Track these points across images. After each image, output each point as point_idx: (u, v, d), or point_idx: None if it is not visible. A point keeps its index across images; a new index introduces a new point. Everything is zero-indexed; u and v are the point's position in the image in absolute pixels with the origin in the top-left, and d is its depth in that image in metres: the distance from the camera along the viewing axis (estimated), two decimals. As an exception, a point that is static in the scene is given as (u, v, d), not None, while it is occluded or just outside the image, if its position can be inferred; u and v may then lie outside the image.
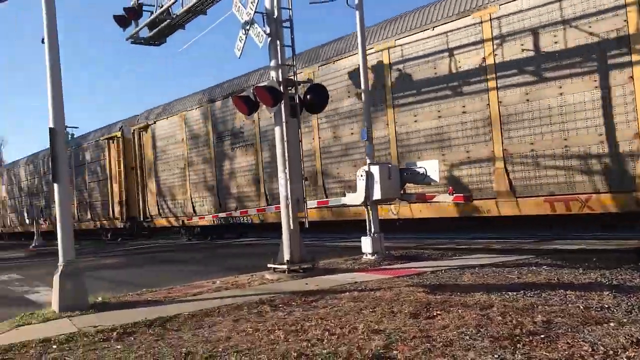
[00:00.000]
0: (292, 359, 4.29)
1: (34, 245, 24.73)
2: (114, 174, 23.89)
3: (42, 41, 7.33)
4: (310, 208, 10.38)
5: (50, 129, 7.01)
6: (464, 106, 11.27)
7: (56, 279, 6.95)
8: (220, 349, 4.72)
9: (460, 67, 11.28)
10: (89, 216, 25.78)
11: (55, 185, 7.10)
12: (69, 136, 41.46)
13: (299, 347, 4.57)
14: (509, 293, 6.16)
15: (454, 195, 9.75)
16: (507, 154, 10.65)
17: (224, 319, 5.95)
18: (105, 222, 24.85)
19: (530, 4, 10.23)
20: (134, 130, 22.44)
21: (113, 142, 23.88)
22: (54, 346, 5.22)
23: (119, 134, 23.59)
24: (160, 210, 20.77)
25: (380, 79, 12.78)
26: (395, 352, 4.27)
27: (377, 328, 5.01)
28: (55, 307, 6.83)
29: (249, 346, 4.76)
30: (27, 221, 26.71)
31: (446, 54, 11.50)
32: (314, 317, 5.63)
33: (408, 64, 12.21)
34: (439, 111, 11.68)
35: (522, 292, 6.18)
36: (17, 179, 33.20)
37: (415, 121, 12.13)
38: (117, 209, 23.64)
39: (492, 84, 10.79)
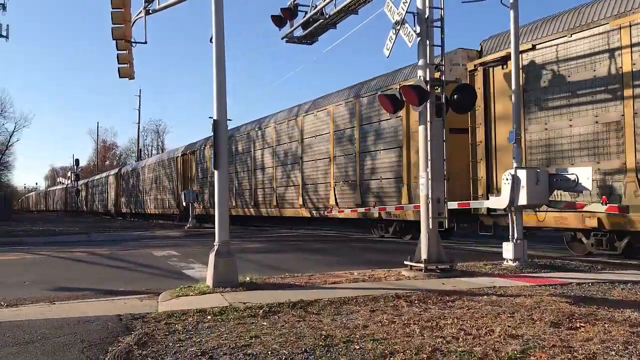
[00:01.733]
0: (426, 353, 4.39)
1: (188, 226, 27.01)
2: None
3: (210, 40, 8.07)
4: (451, 209, 10.29)
5: (214, 121, 7.72)
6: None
7: (211, 257, 7.64)
8: (357, 336, 4.95)
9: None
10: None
11: (216, 172, 7.80)
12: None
13: (434, 343, 4.66)
14: (665, 313, 5.73)
15: (608, 205, 9.14)
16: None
17: (361, 308, 6.19)
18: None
19: None
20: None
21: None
22: (209, 317, 5.79)
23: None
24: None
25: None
26: (532, 358, 4.22)
27: (515, 333, 4.94)
28: (209, 282, 7.52)
29: (385, 336, 4.93)
30: (183, 204, 29.12)
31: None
32: (450, 316, 5.67)
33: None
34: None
35: (680, 313, 5.72)
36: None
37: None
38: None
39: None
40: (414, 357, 4.31)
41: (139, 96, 69.73)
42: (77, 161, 76.29)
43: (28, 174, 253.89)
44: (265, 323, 5.52)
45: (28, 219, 50.10)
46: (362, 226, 20.78)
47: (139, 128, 70.70)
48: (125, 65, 14.18)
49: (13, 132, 64.68)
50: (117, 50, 13.97)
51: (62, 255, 13.33)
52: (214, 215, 7.93)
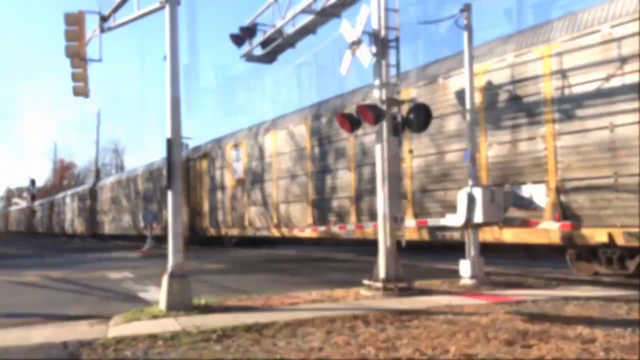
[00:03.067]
0: (381, 375, 4.33)
1: (147, 247, 26.40)
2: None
3: (164, 58, 7.96)
4: (409, 227, 10.33)
5: (168, 140, 7.57)
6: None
7: (165, 279, 7.44)
8: (312, 359, 4.86)
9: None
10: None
11: (169, 192, 7.63)
12: (185, 147, 44.11)
13: (389, 364, 4.61)
14: (615, 329, 5.80)
15: (561, 222, 9.32)
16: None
17: (317, 330, 6.10)
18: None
19: None
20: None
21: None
22: (160, 342, 5.61)
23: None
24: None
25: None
26: (486, 378, 4.20)
27: (470, 352, 4.94)
28: (162, 305, 7.30)
29: (340, 358, 4.86)
30: (141, 224, 28.55)
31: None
32: (406, 336, 5.64)
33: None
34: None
35: (630, 329, 5.80)
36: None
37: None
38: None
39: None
40: (368, 379, 4.24)
41: (98, 115, 68.53)
42: (32, 181, 74.35)
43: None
44: (218, 347, 5.39)
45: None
46: (328, 245, 20.73)
47: (97, 148, 69.19)
48: (80, 83, 13.83)
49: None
50: (72, 68, 13.66)
51: (12, 279, 12.81)
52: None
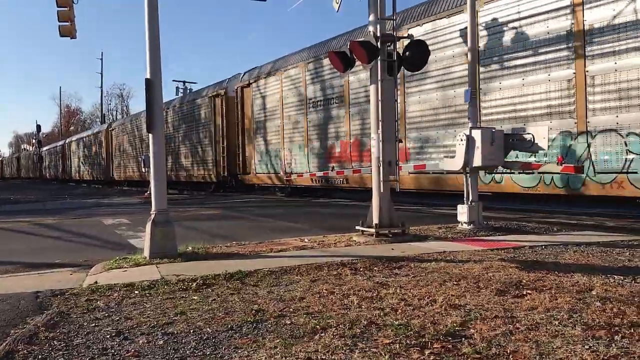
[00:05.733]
0: (360, 327, 4.06)
1: (148, 192, 26.31)
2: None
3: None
4: (403, 172, 9.96)
5: (146, 80, 7.15)
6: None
7: (148, 226, 7.20)
8: (291, 309, 4.61)
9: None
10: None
11: (150, 135, 7.28)
12: (187, 90, 43.32)
13: (371, 315, 4.35)
14: (614, 277, 5.51)
15: (563, 165, 8.92)
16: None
17: (302, 278, 5.86)
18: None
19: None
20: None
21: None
22: (136, 292, 5.38)
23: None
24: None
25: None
26: (472, 330, 3.92)
27: (458, 303, 4.66)
28: (146, 253, 7.09)
29: (320, 309, 4.60)
30: (143, 170, 28.38)
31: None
32: (393, 285, 5.37)
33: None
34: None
35: (630, 276, 5.51)
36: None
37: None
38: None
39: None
40: (346, 332, 3.98)
41: (101, 59, 67.70)
42: (39, 127, 74.15)
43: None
44: (195, 297, 5.14)
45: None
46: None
47: (102, 92, 69.19)
48: (67, 23, 13.30)
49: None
50: (57, 7, 13.10)
51: (5, 227, 12.66)
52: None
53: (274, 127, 20.44)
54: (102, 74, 65.73)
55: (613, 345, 3.54)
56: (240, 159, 23.15)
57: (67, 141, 60.40)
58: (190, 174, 27.47)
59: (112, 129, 43.70)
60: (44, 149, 72.66)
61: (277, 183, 20.89)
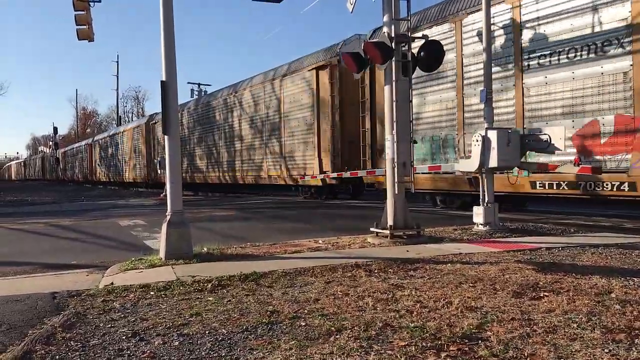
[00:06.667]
0: (376, 329, 4.04)
1: (164, 194, 26.48)
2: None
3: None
4: (417, 173, 9.91)
5: (162, 82, 7.19)
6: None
7: (164, 228, 7.23)
8: (306, 311, 4.60)
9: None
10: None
11: (166, 137, 7.31)
12: (202, 92, 43.43)
13: (386, 318, 4.32)
14: (634, 279, 5.43)
15: (580, 166, 8.82)
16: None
17: (317, 279, 5.85)
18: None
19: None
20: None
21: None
22: (152, 292, 5.40)
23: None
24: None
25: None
26: (488, 333, 3.89)
27: (474, 305, 4.62)
28: (162, 254, 7.12)
29: (335, 310, 4.59)
30: (159, 172, 28.56)
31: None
32: (408, 287, 5.34)
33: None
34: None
35: (650, 279, 5.43)
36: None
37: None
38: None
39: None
40: (362, 334, 3.96)
41: (117, 62, 68.32)
42: (55, 129, 74.94)
43: (9, 144, 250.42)
44: (211, 298, 5.15)
45: (5, 188, 49.12)
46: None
47: (117, 94, 69.57)
48: (84, 26, 13.46)
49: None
50: (75, 10, 13.26)
51: (22, 228, 12.81)
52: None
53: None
54: (117, 76, 66.03)
55: (633, 349, 3.48)
56: (368, 152, 16.12)
57: (83, 143, 60.72)
58: (265, 174, 22.35)
59: (155, 122, 35.60)
60: (60, 150, 73.24)
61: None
